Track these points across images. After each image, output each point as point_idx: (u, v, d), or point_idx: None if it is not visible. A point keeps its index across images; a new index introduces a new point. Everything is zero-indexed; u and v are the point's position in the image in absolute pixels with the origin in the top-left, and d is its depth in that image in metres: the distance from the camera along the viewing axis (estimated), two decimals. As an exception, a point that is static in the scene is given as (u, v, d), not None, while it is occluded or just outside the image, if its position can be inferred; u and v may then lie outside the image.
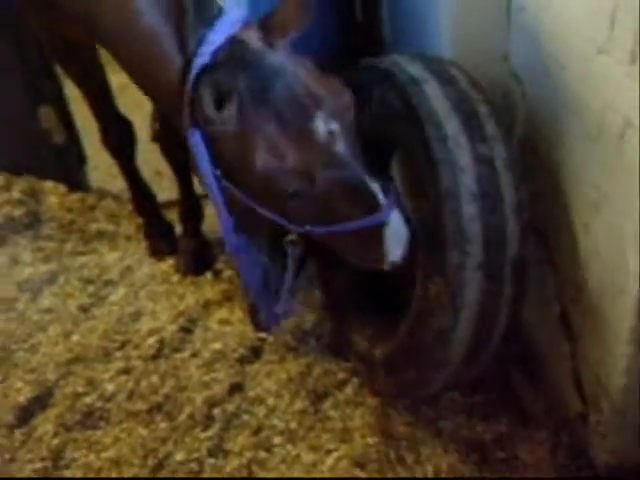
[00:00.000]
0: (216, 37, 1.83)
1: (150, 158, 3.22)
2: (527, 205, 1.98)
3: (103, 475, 2.36)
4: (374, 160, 2.00)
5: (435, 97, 1.98)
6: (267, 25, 1.86)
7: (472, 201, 1.90)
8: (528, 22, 2.11)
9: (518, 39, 2.19)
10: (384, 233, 1.92)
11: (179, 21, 1.86)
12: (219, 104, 1.79)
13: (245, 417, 2.45)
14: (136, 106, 3.18)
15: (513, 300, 2.00)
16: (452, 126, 1.94)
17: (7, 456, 2.46)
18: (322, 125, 1.82)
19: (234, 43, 1.83)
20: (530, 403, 2.36)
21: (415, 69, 2.06)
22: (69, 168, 3.42)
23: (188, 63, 1.84)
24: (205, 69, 1.79)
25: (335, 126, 1.84)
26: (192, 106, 1.83)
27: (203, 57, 1.81)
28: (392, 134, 2.10)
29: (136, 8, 1.88)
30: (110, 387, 2.59)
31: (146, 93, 2.06)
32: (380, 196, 1.89)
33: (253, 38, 1.85)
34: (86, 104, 2.84)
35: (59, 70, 3.05)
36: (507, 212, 1.93)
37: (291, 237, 2.06)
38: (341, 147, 1.85)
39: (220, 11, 1.92)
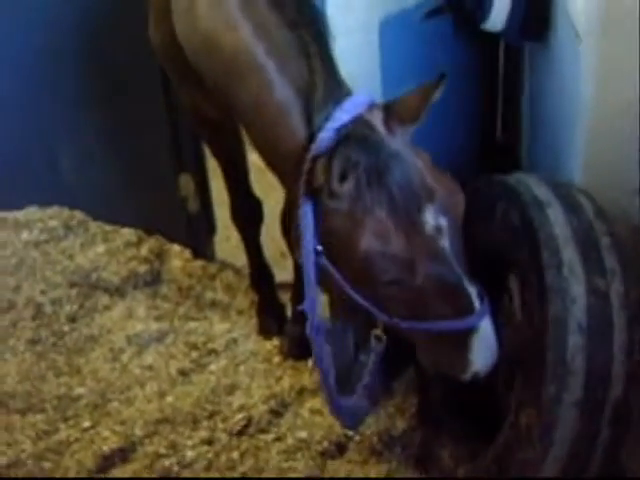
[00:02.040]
0: (343, 115, 1.88)
1: (278, 238, 3.30)
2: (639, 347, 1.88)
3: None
4: (489, 277, 1.97)
5: (557, 222, 1.95)
6: (390, 111, 1.90)
7: (579, 333, 1.83)
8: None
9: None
10: (472, 339, 1.88)
11: (308, 97, 1.93)
12: (343, 177, 1.82)
13: (315, 513, 2.40)
14: (272, 187, 3.29)
15: (611, 444, 1.89)
16: (569, 254, 1.90)
17: (81, 503, 2.51)
18: (431, 218, 1.82)
19: (359, 123, 1.87)
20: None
21: (541, 191, 2.04)
22: (198, 236, 3.54)
23: (312, 136, 1.90)
24: (338, 143, 1.83)
25: (443, 221, 1.84)
26: (309, 176, 1.87)
27: (328, 132, 1.86)
28: (509, 253, 2.07)
29: (270, 83, 1.97)
30: (191, 454, 2.59)
31: (267, 162, 2.13)
32: (475, 300, 1.86)
33: (377, 121, 1.89)
34: (222, 178, 2.96)
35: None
36: (615, 350, 1.84)
37: (376, 332, 2.02)
38: (446, 243, 1.84)
39: (348, 92, 1.97)
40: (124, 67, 3.29)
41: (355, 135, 1.84)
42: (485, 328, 1.88)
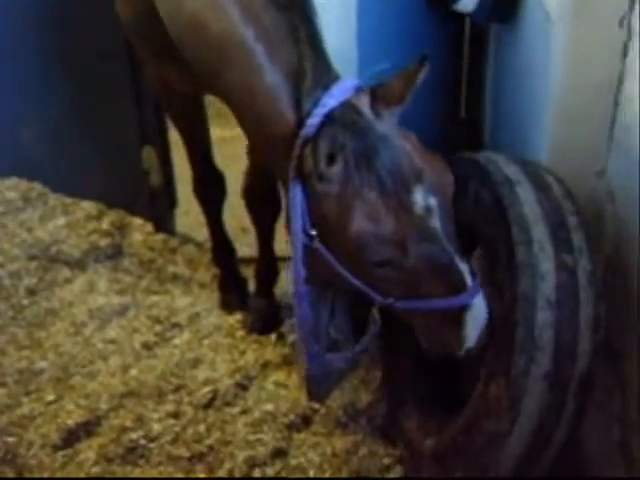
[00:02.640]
0: (331, 100, 1.89)
1: (238, 213, 3.31)
2: (604, 322, 1.95)
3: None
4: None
5: (527, 201, 2.00)
6: (377, 95, 1.92)
7: (547, 308, 1.88)
8: (631, 143, 2.11)
9: (617, 158, 2.18)
10: (465, 316, 1.92)
11: (298, 82, 1.93)
12: (330, 160, 1.83)
13: (283, 484, 2.44)
14: (232, 160, 3.29)
15: (574, 416, 1.96)
16: (539, 232, 1.95)
17: (46, 475, 2.49)
18: (421, 198, 1.84)
19: (347, 108, 1.89)
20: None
21: (511, 170, 2.08)
22: (159, 209, 3.54)
23: (301, 121, 1.91)
24: (324, 126, 1.85)
25: (433, 202, 1.86)
26: (299, 161, 1.89)
27: (316, 118, 1.87)
28: (479, 230, 2.11)
29: (259, 67, 1.96)
30: (157, 427, 2.61)
31: (254, 144, 2.14)
32: (467, 278, 1.90)
33: (364, 105, 1.91)
34: (185, 151, 2.95)
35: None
36: (582, 326, 1.91)
37: (373, 314, 2.09)
38: (436, 223, 1.86)
39: (336, 77, 1.98)
40: (89, 39, 3.25)
41: (342, 119, 1.86)
42: (478, 305, 1.92)
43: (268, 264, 3.08)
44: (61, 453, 2.55)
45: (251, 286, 3.21)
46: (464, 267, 1.89)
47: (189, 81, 2.41)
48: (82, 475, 2.48)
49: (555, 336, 1.88)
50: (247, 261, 3.32)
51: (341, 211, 1.85)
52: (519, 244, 1.94)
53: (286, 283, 3.26)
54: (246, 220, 3.22)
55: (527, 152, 2.45)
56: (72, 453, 2.55)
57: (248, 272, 3.28)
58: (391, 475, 2.42)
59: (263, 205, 2.86)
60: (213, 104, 2.84)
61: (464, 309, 1.91)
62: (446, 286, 1.90)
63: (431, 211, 1.86)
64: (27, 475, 2.50)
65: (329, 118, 1.86)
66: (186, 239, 3.57)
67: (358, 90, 1.94)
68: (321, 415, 2.65)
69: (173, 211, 3.57)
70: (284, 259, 3.20)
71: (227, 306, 3.18)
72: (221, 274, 3.22)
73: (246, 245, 3.37)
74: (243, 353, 2.94)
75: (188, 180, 3.10)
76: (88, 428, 2.63)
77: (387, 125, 1.90)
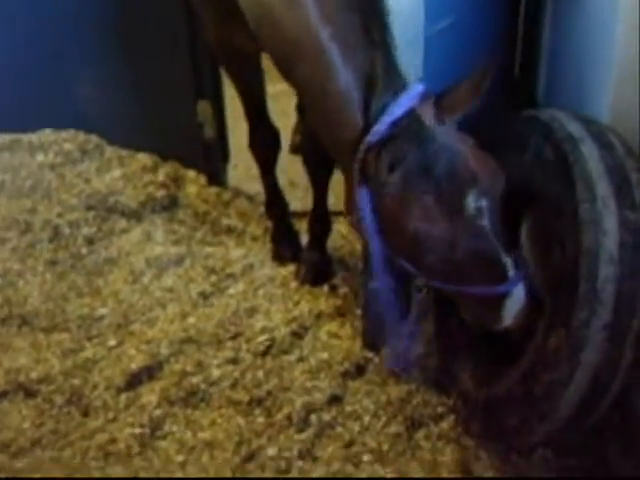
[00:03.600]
0: (398, 109, 1.95)
1: (287, 168, 3.37)
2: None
3: (195, 454, 2.47)
4: (511, 208, 2.07)
5: (591, 158, 2.04)
6: (441, 102, 1.99)
7: (610, 264, 1.94)
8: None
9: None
10: (505, 301, 2.04)
11: (369, 86, 1.99)
12: (391, 169, 1.93)
13: (339, 429, 2.51)
14: (282, 115, 3.34)
15: (631, 368, 2.01)
16: (603, 189, 1.99)
17: (110, 415, 2.59)
18: (473, 201, 1.95)
19: (411, 117, 1.95)
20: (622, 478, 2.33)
21: (574, 128, 2.12)
22: (212, 162, 3.60)
23: (368, 126, 1.98)
24: (389, 138, 1.93)
25: (484, 202, 1.96)
26: (363, 165, 1.98)
27: (382, 125, 1.94)
28: (539, 186, 2.16)
29: (332, 66, 2.01)
30: (216, 373, 2.69)
31: (323, 140, 2.21)
32: (510, 269, 2.00)
33: (428, 114, 1.97)
34: (241, 106, 3.00)
35: (222, 70, 3.25)
36: (642, 280, 1.96)
37: (417, 283, 2.19)
38: (485, 222, 1.97)
39: (404, 82, 2.04)
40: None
41: (405, 129, 1.93)
42: (518, 292, 2.03)
43: (322, 218, 3.14)
44: (124, 395, 2.64)
45: (302, 239, 3.27)
46: (508, 260, 2.00)
47: (252, 40, 2.45)
48: (145, 417, 2.57)
49: (616, 290, 1.93)
50: (297, 215, 3.39)
51: (399, 212, 1.96)
52: (583, 201, 1.99)
53: (338, 236, 3.34)
54: (295, 175, 3.29)
55: (586, 112, 2.46)
56: (135, 396, 2.65)
57: (297, 225, 3.34)
58: (444, 423, 2.50)
59: (319, 161, 2.91)
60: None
61: (503, 296, 2.03)
62: (489, 277, 2.02)
63: (482, 211, 1.96)
64: (93, 414, 2.62)
65: (393, 127, 1.93)
66: (238, 192, 3.63)
67: (424, 97, 1.99)
68: (375, 364, 2.73)
69: (226, 164, 3.63)
70: (337, 213, 3.28)
71: (280, 258, 3.25)
72: (274, 227, 3.29)
73: (295, 199, 3.43)
74: (297, 303, 3.01)
75: (239, 134, 3.14)
76: (150, 372, 2.72)
77: (448, 132, 1.98)
